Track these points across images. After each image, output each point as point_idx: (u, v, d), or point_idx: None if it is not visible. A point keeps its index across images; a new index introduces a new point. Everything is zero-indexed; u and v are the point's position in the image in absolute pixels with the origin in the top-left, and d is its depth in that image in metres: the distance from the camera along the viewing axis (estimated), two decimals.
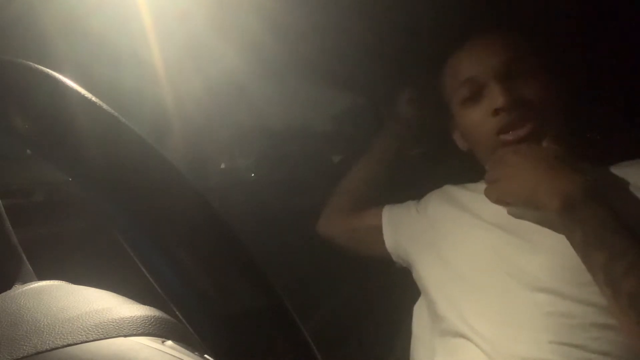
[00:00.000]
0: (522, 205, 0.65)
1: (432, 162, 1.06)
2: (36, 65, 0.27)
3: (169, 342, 0.27)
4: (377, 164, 1.00)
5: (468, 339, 0.65)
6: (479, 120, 0.74)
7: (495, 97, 0.70)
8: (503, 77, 0.71)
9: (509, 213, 0.69)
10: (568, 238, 0.58)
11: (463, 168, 0.85)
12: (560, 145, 0.66)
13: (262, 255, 0.28)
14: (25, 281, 0.37)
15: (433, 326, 0.74)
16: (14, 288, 0.33)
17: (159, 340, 0.27)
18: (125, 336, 0.26)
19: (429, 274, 0.77)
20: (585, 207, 0.57)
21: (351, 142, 1.30)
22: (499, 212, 0.70)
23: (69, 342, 0.24)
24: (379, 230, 0.90)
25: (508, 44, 0.73)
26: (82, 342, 0.25)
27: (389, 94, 1.12)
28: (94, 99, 0.26)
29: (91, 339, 0.25)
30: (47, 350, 0.24)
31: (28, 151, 0.26)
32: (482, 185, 0.74)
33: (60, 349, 0.24)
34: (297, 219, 1.02)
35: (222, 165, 1.19)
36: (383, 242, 0.89)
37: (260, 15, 0.77)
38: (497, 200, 0.67)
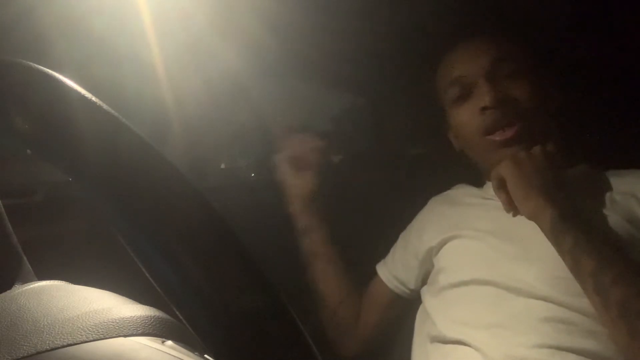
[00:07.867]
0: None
1: (430, 163, 1.06)
2: (36, 65, 0.26)
3: (169, 342, 0.27)
4: (326, 266, 0.87)
5: (466, 344, 0.64)
6: (467, 119, 0.74)
7: (483, 95, 0.70)
8: (491, 77, 0.72)
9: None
10: (557, 244, 0.58)
11: (459, 168, 0.85)
12: (552, 148, 0.67)
13: (262, 255, 0.28)
14: (25, 281, 0.37)
15: (432, 332, 0.74)
16: (14, 288, 0.33)
17: (159, 340, 0.27)
18: (125, 336, 0.26)
19: (427, 284, 0.77)
20: (577, 215, 0.58)
21: (351, 142, 1.30)
22: (493, 220, 0.70)
23: (69, 342, 0.24)
24: (394, 294, 0.83)
25: (498, 45, 0.74)
26: (82, 342, 0.25)
27: (389, 94, 1.12)
28: (94, 99, 0.26)
29: (91, 339, 0.25)
30: (47, 350, 0.24)
31: (28, 151, 0.26)
32: (469, 198, 0.75)
33: (60, 349, 0.24)
34: None
35: (222, 165, 1.19)
36: (409, 296, 0.83)
37: (260, 15, 0.77)
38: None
